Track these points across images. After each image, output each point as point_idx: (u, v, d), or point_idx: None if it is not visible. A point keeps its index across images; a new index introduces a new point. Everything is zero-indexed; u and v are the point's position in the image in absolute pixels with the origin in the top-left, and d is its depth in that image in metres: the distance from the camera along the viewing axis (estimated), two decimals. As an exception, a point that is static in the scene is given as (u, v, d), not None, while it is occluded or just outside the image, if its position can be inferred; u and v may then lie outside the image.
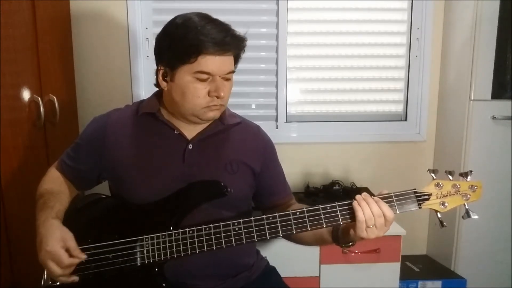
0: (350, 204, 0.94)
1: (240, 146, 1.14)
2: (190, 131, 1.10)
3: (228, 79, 1.04)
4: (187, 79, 1.00)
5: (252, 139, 1.18)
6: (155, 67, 1.07)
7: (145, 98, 1.20)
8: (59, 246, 0.94)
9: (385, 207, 0.92)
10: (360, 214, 0.91)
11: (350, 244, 1.01)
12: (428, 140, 2.09)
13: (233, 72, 1.05)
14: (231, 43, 0.99)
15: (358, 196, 0.93)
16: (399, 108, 2.11)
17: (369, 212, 0.91)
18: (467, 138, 1.85)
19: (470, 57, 1.80)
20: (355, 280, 1.70)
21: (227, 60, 1.01)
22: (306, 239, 1.10)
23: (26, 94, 1.41)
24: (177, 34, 0.99)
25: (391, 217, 0.92)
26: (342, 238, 1.00)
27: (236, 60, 1.07)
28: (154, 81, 1.09)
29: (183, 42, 0.97)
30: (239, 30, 1.04)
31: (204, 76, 0.99)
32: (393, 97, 2.09)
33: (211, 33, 0.97)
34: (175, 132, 1.09)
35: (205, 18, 1.01)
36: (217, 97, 1.01)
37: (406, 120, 2.09)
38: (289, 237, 1.13)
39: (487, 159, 1.85)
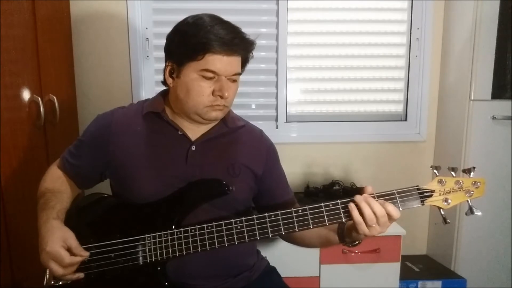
0: (353, 201, 0.92)
1: (243, 149, 1.14)
2: (194, 132, 1.10)
3: (234, 81, 1.05)
4: (193, 77, 1.01)
5: (255, 143, 1.18)
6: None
7: (145, 98, 1.20)
8: (59, 245, 0.94)
9: (391, 207, 0.90)
10: (356, 215, 0.90)
11: (357, 242, 1.00)
12: (428, 140, 2.09)
13: (239, 74, 1.06)
14: (239, 44, 1.01)
15: (357, 197, 0.92)
16: (399, 108, 2.11)
17: (370, 213, 0.90)
18: (467, 138, 1.85)
19: (470, 57, 1.80)
20: (355, 280, 1.70)
21: (235, 61, 1.02)
22: (309, 240, 1.10)
23: (26, 94, 1.41)
24: (188, 31, 1.01)
25: (397, 216, 0.90)
26: (347, 237, 0.99)
27: (244, 63, 1.08)
28: (161, 79, 1.10)
29: (192, 39, 0.99)
30: (247, 32, 1.05)
31: (210, 75, 1.00)
32: (393, 97, 2.10)
33: (221, 33, 0.98)
34: (179, 132, 1.09)
35: (216, 19, 1.02)
36: (221, 97, 1.02)
37: (406, 120, 2.09)
38: (292, 239, 1.13)
39: (487, 159, 1.85)
